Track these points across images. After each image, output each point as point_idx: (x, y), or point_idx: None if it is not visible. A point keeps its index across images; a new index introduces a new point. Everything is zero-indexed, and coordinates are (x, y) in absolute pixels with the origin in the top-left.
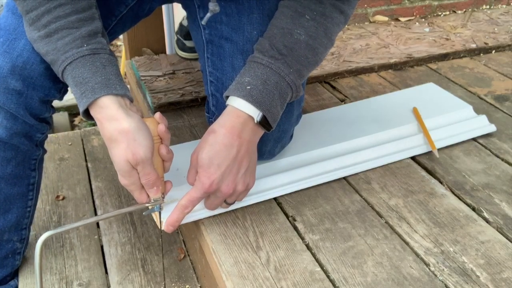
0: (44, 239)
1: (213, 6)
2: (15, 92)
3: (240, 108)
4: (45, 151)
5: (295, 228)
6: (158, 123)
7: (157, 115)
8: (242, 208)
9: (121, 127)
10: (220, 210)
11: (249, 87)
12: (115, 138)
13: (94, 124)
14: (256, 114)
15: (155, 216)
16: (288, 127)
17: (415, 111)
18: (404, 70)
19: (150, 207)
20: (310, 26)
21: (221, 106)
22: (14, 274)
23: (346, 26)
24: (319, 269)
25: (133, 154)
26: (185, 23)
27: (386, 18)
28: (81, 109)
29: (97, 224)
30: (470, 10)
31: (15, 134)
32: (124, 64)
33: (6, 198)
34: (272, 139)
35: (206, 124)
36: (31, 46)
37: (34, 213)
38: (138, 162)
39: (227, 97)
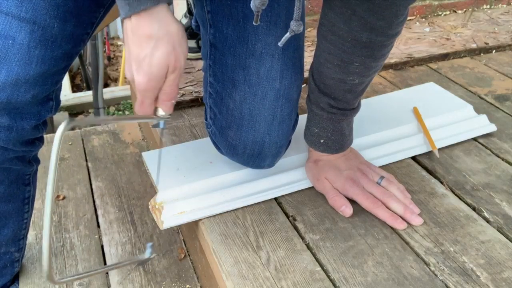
0: (63, 128)
1: (296, 26)
2: (3, 129)
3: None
4: (38, 162)
5: (295, 228)
6: None
7: None
8: (242, 208)
9: (169, 28)
10: (220, 210)
11: (322, 141)
12: (159, 37)
13: (94, 124)
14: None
15: (155, 215)
16: (285, 143)
17: (415, 111)
18: (404, 70)
19: (155, 122)
20: (361, 70)
21: (218, 123)
22: (14, 279)
23: None
24: (319, 268)
25: (175, 61)
26: (183, 21)
27: None
28: (122, 16)
29: (97, 224)
30: (470, 9)
31: (6, 160)
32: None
33: (1, 215)
34: (270, 155)
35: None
36: (13, 77)
37: (30, 221)
38: (175, 70)
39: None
